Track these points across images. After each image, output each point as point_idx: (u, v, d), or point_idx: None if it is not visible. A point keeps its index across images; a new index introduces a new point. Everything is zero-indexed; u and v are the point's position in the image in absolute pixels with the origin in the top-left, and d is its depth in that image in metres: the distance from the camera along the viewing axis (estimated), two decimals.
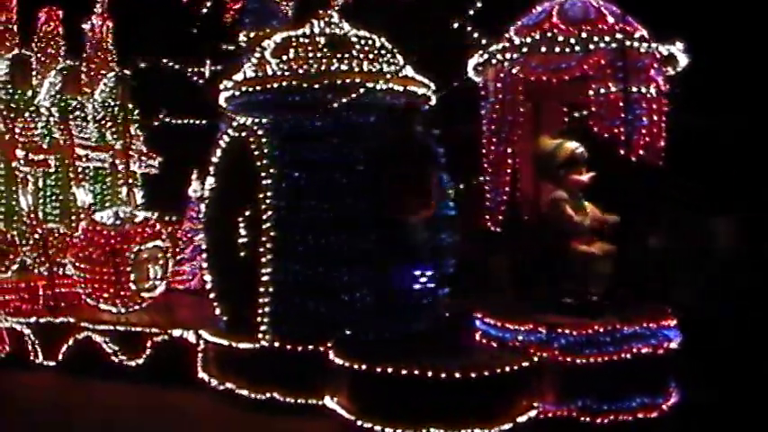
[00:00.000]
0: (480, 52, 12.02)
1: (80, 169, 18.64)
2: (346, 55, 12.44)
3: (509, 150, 11.76)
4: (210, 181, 12.91)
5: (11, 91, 17.95)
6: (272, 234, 11.94)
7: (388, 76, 12.30)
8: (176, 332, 13.50)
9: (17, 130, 17.61)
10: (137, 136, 19.63)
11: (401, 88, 12.44)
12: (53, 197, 18.46)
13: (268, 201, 11.99)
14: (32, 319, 15.13)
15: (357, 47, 12.63)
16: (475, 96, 12.60)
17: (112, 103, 19.53)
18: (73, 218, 18.14)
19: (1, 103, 17.72)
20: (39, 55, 19.33)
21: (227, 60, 16.54)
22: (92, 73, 19.81)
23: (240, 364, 12.20)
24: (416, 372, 9.98)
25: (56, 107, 18.60)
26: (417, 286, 11.79)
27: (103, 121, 19.45)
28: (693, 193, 17.06)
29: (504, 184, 11.80)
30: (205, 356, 13.05)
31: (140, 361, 13.93)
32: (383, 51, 12.78)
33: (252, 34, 15.85)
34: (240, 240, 12.30)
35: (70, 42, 20.18)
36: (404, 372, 10.05)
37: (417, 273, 11.85)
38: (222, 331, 12.75)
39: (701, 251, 16.76)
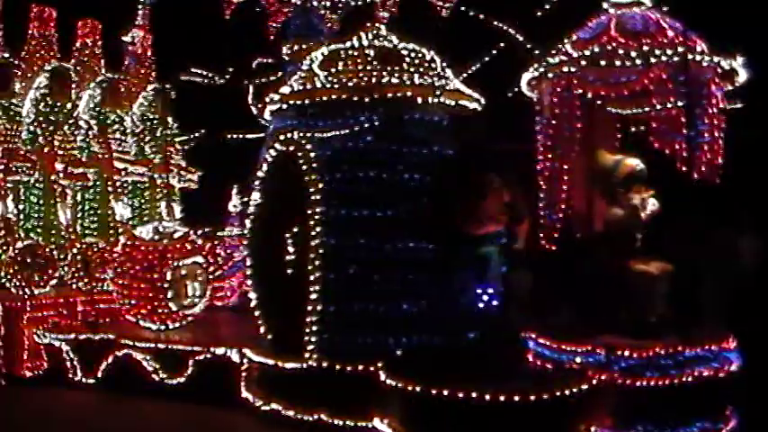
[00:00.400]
0: (535, 66, 11.73)
1: (119, 183, 18.42)
2: (396, 68, 12.11)
3: (565, 166, 11.43)
4: (256, 196, 12.63)
5: (50, 104, 17.73)
6: (321, 251, 11.62)
7: (440, 89, 11.97)
8: (219, 350, 13.18)
9: (56, 144, 17.46)
10: (175, 150, 19.39)
11: (452, 102, 12.11)
12: (91, 211, 18.32)
13: (317, 216, 11.67)
14: (71, 336, 14.81)
15: (407, 59, 12.33)
16: (519, 111, 12.30)
17: (151, 117, 19.36)
18: (111, 232, 17.89)
19: (40, 116, 17.53)
20: (77, 68, 19.16)
21: (270, 74, 16.31)
22: (131, 86, 19.58)
23: (286, 385, 11.93)
24: (473, 394, 9.64)
25: (95, 120, 18.47)
26: (482, 304, 11.45)
27: (142, 135, 19.27)
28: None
29: (560, 200, 11.49)
30: (249, 376, 12.77)
31: (182, 379, 13.65)
32: (433, 64, 12.50)
33: (295, 47, 15.60)
34: (287, 257, 11.92)
35: (109, 55, 19.98)
36: (460, 394, 9.69)
37: (487, 290, 11.51)
38: (267, 350, 12.42)
39: (727, 267, 16.30)
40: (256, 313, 12.81)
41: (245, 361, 12.89)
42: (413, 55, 12.48)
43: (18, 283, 15.49)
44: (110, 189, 18.35)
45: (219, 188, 19.61)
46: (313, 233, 11.72)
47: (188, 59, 18.75)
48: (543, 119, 11.83)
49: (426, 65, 12.47)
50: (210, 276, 15.90)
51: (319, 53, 12.87)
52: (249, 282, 13.04)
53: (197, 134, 18.70)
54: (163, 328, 15.17)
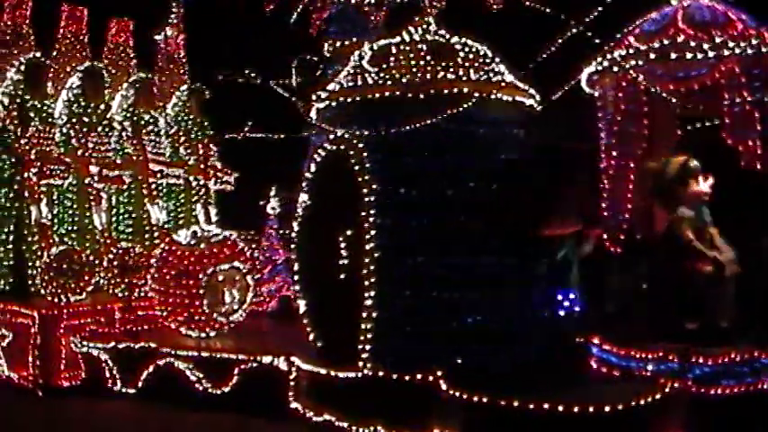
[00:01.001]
0: (598, 60, 11.34)
1: (154, 186, 18.12)
2: (451, 63, 11.72)
3: (631, 165, 11.05)
4: (304, 198, 12.25)
5: (83, 105, 17.44)
6: (376, 255, 11.22)
7: (499, 85, 11.59)
8: (266, 359, 12.76)
9: (90, 146, 17.15)
10: (211, 151, 19.09)
11: (510, 98, 11.70)
12: (126, 215, 18.01)
13: (371, 219, 11.29)
14: (110, 344, 14.44)
15: (461, 54, 11.93)
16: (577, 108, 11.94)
17: (185, 118, 19.06)
18: (146, 236, 17.60)
19: (73, 118, 17.23)
20: (109, 67, 18.84)
21: (311, 72, 15.99)
22: (164, 86, 19.29)
23: (340, 395, 11.52)
24: (541, 405, 9.36)
25: (128, 121, 18.15)
26: (562, 311, 11.10)
27: (176, 136, 18.99)
28: None
29: (626, 201, 11.12)
30: (298, 385, 12.37)
31: (226, 389, 13.25)
32: (487, 59, 12.10)
33: (338, 44, 15.28)
34: (340, 262, 11.54)
35: (141, 54, 19.72)
36: (528, 405, 9.40)
37: (569, 295, 11.15)
38: (317, 358, 12.02)
39: None
40: (305, 320, 12.42)
41: (293, 370, 12.46)
42: (466, 50, 12.06)
43: (54, 290, 15.13)
44: (145, 192, 17.95)
45: (256, 190, 19.13)
46: (368, 236, 11.27)
47: (223, 58, 18.26)
48: (607, 116, 11.42)
49: (481, 60, 12.07)
50: (251, 282, 15.38)
51: (368, 49, 12.46)
52: (296, 287, 12.58)
53: (233, 135, 18.24)
54: (203, 335, 14.65)
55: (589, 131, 12.16)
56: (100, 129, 17.57)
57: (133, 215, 18.21)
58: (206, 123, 19.53)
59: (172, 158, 18.76)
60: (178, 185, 19.09)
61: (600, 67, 11.46)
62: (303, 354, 12.39)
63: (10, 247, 16.82)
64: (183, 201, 19.18)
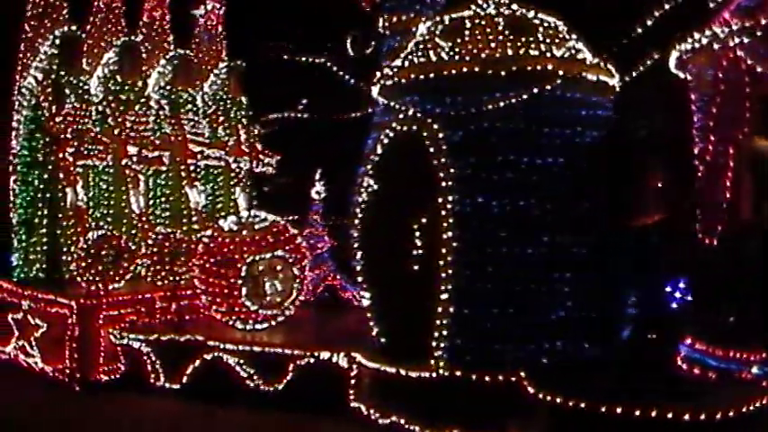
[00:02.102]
0: (693, 38, 10.62)
1: (192, 168, 17.50)
2: (531, 39, 11.05)
3: (731, 150, 10.34)
4: (370, 182, 11.54)
5: (120, 82, 16.82)
6: (454, 244, 10.55)
7: (584, 63, 10.92)
8: (325, 354, 12.07)
9: (127, 125, 16.50)
10: (251, 132, 18.47)
11: (594, 77, 11.05)
12: (163, 198, 17.39)
13: (449, 205, 10.61)
14: (153, 337, 13.77)
15: (540, 30, 11.25)
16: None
17: (224, 97, 18.46)
18: (184, 220, 16.96)
19: (110, 95, 16.60)
20: (145, 43, 18.22)
21: (363, 48, 15.38)
22: (202, 63, 18.68)
23: (410, 395, 10.86)
24: (636, 411, 8.77)
25: (166, 100, 17.51)
26: (675, 304, 10.44)
27: (215, 116, 18.37)
28: None
29: (725, 189, 10.40)
30: (360, 383, 11.72)
31: (280, 387, 12.60)
32: (567, 36, 11.43)
33: (395, 19, 14.65)
34: (413, 251, 10.85)
35: (178, 30, 19.13)
36: (618, 409, 8.84)
37: (679, 284, 10.48)
38: (382, 355, 11.35)
39: None
40: (368, 313, 11.84)
41: (354, 367, 11.79)
42: (545, 25, 11.39)
43: (91, 278, 14.44)
44: (183, 174, 17.32)
45: (298, 173, 18.51)
46: (445, 224, 10.57)
47: (265, 34, 17.68)
48: (703, 97, 10.71)
49: (560, 36, 11.38)
50: (296, 272, 14.65)
51: (438, 22, 11.77)
52: (360, 278, 11.90)
53: (276, 115, 17.65)
54: (248, 328, 14.01)
55: (674, 115, 11.45)
56: (137, 107, 16.93)
57: (170, 198, 17.53)
58: (246, 102, 18.77)
59: (211, 139, 18.01)
60: (216, 168, 18.39)
61: (696, 45, 10.67)
62: (365, 349, 11.72)
63: (43, 231, 16.29)
64: (221, 184, 18.46)
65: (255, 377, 12.81)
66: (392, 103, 11.66)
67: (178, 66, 18.11)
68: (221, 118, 18.53)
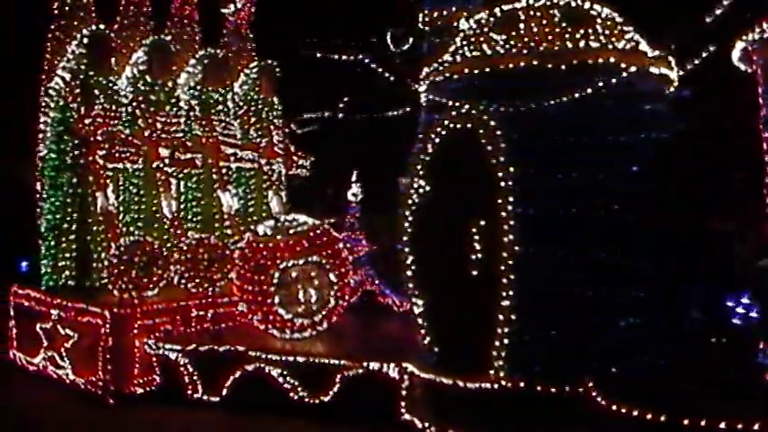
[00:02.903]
0: (762, 29, 10.13)
1: (224, 170, 17.08)
2: (590, 31, 10.57)
3: None
4: (421, 183, 11.07)
5: (149, 82, 16.38)
6: (516, 248, 10.09)
7: (646, 56, 10.44)
8: (374, 365, 11.61)
9: (158, 126, 16.07)
10: (283, 133, 18.06)
11: (657, 71, 10.55)
12: (194, 202, 16.94)
13: (510, 207, 10.13)
14: (190, 347, 13.30)
15: (599, 21, 10.74)
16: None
17: (255, 97, 18.02)
18: (216, 225, 16.54)
19: (139, 95, 16.18)
20: (173, 42, 17.80)
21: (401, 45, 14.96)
22: (232, 63, 18.27)
23: (469, 408, 10.41)
24: (734, 425, 8.37)
25: (196, 100, 17.09)
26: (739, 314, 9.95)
27: (246, 117, 17.95)
28: None
29: None
30: (412, 395, 11.29)
31: (326, 398, 12.16)
32: (625, 28, 10.95)
33: (435, 14, 14.20)
34: (472, 256, 10.36)
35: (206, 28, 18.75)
36: (716, 424, 8.41)
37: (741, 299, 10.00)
38: (436, 366, 10.92)
39: None
40: (420, 321, 11.34)
41: (405, 377, 11.35)
42: (602, 16, 10.90)
43: (125, 286, 13.99)
44: (215, 177, 16.91)
45: (330, 175, 18.09)
46: (506, 227, 10.08)
47: (297, 32, 17.28)
48: None
49: (619, 28, 10.89)
50: (334, 279, 14.14)
51: (488, 15, 11.32)
52: (410, 284, 11.39)
53: (311, 115, 17.23)
54: (285, 337, 13.60)
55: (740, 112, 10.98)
56: (168, 108, 16.44)
57: (202, 202, 17.13)
58: (277, 103, 18.36)
59: (243, 141, 17.61)
60: (248, 171, 17.97)
61: (764, 36, 10.18)
62: (417, 359, 11.28)
63: (72, 237, 15.85)
64: (253, 187, 18.05)
65: (300, 389, 12.37)
66: (443, 100, 11.13)
67: (208, 65, 17.65)
68: (253, 119, 18.13)
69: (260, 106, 18.32)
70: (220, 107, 17.61)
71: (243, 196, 18.08)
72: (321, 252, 14.04)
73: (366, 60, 14.99)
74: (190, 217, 17.05)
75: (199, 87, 17.50)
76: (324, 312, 13.98)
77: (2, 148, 22.30)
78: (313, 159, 18.68)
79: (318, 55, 15.80)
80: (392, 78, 13.28)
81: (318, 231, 14.22)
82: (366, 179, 16.37)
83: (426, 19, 14.21)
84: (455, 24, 12.39)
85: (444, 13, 13.93)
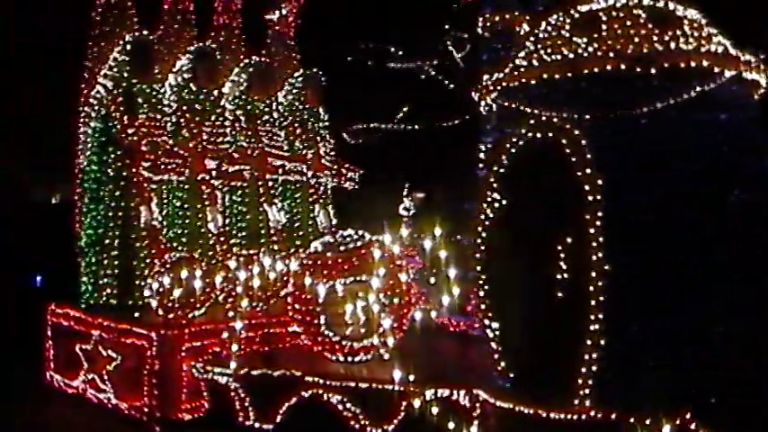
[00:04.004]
0: None
1: (270, 183, 16.55)
2: (679, 33, 9.91)
3: None
4: (495, 197, 10.41)
5: (194, 90, 15.84)
6: (606, 267, 9.35)
7: (740, 60, 9.82)
8: (443, 391, 10.97)
9: (204, 137, 15.52)
10: (330, 145, 17.52)
11: (751, 76, 9.92)
12: (239, 216, 16.37)
13: (598, 222, 9.41)
14: (242, 371, 12.65)
15: (686, 23, 10.10)
16: None
17: (300, 107, 17.48)
18: (262, 240, 15.97)
19: (184, 105, 15.65)
20: (218, 50, 17.32)
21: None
22: (276, 71, 17.79)
23: None
24: None
25: (241, 110, 16.53)
26: None
27: (291, 128, 17.40)
28: None
29: None
30: (485, 423, 10.62)
31: (390, 427, 11.52)
32: (712, 31, 10.31)
33: (496, 18, 13.72)
34: (556, 275, 9.68)
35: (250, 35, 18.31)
36: None
37: None
38: (511, 392, 10.29)
39: None
40: (495, 345, 10.65)
41: (477, 405, 10.69)
42: (689, 18, 10.27)
43: (171, 306, 13.39)
44: (261, 190, 16.34)
45: (385, 189, 17.53)
46: (594, 245, 9.37)
47: (344, 40, 16.78)
48: None
49: (707, 31, 10.24)
50: (388, 300, 13.43)
51: (564, 16, 10.68)
52: (483, 306, 10.70)
53: (362, 125, 16.69)
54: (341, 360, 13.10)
55: None
56: (213, 117, 15.91)
57: (247, 217, 16.57)
58: (323, 113, 17.82)
59: (289, 152, 17.06)
60: (294, 183, 17.41)
61: None
62: (490, 386, 10.62)
63: (115, 254, 15.23)
64: (299, 201, 17.48)
65: (361, 417, 11.69)
66: (520, 108, 10.47)
67: (252, 74, 17.15)
68: (298, 130, 17.53)
69: (305, 116, 17.83)
70: (266, 117, 17.12)
71: (289, 210, 17.48)
72: (372, 270, 13.25)
73: (426, 66, 14.40)
74: (235, 232, 16.40)
75: (243, 97, 17.04)
76: (379, 334, 13.16)
77: (2, 149, 21.77)
78: (362, 172, 18.04)
79: (369, 63, 15.13)
80: (452, 86, 12.67)
81: (372, 248, 13.45)
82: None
83: (486, 24, 13.72)
84: (517, 29, 11.71)
85: (507, 17, 13.47)
